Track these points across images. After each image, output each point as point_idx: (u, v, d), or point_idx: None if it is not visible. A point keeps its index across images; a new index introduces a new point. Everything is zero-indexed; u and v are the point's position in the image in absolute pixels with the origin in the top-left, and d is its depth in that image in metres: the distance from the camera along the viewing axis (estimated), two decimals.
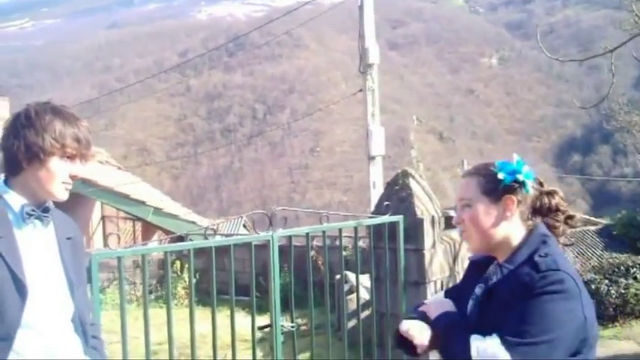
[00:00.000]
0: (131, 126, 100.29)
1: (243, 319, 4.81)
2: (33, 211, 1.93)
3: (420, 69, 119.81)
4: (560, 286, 1.70)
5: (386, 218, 4.99)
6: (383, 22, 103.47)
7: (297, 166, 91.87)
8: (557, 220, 1.92)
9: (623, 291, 8.52)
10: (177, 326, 3.84)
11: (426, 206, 5.38)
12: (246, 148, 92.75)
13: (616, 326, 8.43)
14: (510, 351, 1.65)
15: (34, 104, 1.97)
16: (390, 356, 4.89)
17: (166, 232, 14.28)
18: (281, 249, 4.29)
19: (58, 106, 1.99)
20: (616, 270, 8.85)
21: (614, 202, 51.04)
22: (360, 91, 10.28)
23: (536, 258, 1.77)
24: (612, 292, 8.49)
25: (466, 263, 2.12)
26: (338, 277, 7.77)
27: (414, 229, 5.22)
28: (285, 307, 4.44)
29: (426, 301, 2.01)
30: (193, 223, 14.78)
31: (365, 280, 5.73)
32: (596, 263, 10.16)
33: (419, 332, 1.88)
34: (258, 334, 4.40)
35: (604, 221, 13.66)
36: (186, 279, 10.39)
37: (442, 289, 4.55)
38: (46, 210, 1.97)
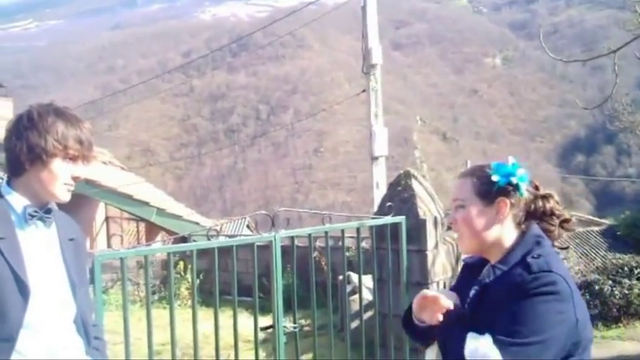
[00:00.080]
0: (135, 126, 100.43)
1: (245, 320, 4.81)
2: (35, 212, 1.94)
3: (424, 69, 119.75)
4: (553, 287, 1.69)
5: (388, 219, 4.99)
6: (386, 23, 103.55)
7: (301, 166, 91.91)
8: (552, 224, 1.90)
9: (626, 292, 8.52)
10: (181, 327, 3.85)
11: (428, 207, 5.38)
12: (250, 149, 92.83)
13: (619, 327, 8.42)
14: (502, 350, 1.65)
15: (36, 106, 1.98)
16: (392, 357, 4.89)
17: (170, 232, 14.29)
18: (284, 250, 4.29)
19: (60, 107, 2.00)
20: (620, 270, 8.84)
21: (618, 203, 50.89)
22: (364, 91, 10.26)
23: (529, 259, 1.76)
24: (616, 292, 8.48)
25: None
26: (341, 277, 7.79)
27: (417, 230, 5.22)
28: (288, 307, 4.44)
29: (430, 291, 1.98)
30: (197, 223, 14.78)
31: (368, 280, 5.73)
32: (599, 264, 10.15)
33: (445, 296, 1.87)
34: (261, 335, 4.40)
35: (608, 222, 13.66)
36: (190, 279, 10.40)
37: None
38: (48, 211, 1.98)
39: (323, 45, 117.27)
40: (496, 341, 1.67)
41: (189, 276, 10.81)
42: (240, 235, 12.73)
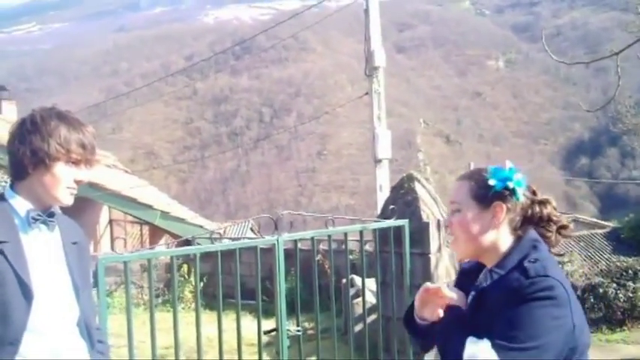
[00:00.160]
0: (138, 129, 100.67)
1: (249, 323, 4.82)
2: (39, 215, 1.94)
3: (427, 72, 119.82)
4: (550, 292, 1.68)
5: (391, 222, 4.98)
6: (390, 25, 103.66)
7: (304, 169, 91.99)
8: (549, 230, 1.88)
9: (631, 295, 8.49)
10: (184, 330, 3.84)
11: (431, 210, 5.38)
12: (253, 152, 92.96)
13: (624, 330, 8.39)
14: (500, 355, 1.64)
15: (39, 110, 1.99)
16: None
17: (173, 235, 14.29)
18: (287, 253, 4.29)
19: (63, 111, 2.00)
20: (624, 273, 8.81)
21: (622, 205, 50.83)
22: (367, 94, 10.27)
23: (526, 263, 1.75)
24: (620, 295, 8.46)
25: None
26: (344, 280, 7.78)
27: (420, 233, 5.22)
28: (291, 311, 4.44)
29: (433, 284, 1.96)
30: (200, 226, 14.78)
31: (371, 284, 5.72)
32: (604, 266, 10.13)
33: (449, 290, 1.86)
34: (265, 338, 4.40)
35: (612, 224, 13.64)
36: (193, 283, 10.41)
37: None
38: (51, 215, 1.98)
39: (326, 48, 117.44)
40: (494, 346, 1.67)
41: (192, 279, 10.80)
42: (244, 238, 12.73)
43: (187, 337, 4.33)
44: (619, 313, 8.46)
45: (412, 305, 1.97)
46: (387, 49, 10.39)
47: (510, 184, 1.85)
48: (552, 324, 1.67)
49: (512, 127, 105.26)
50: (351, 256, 6.85)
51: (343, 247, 4.90)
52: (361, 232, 4.88)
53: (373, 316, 5.68)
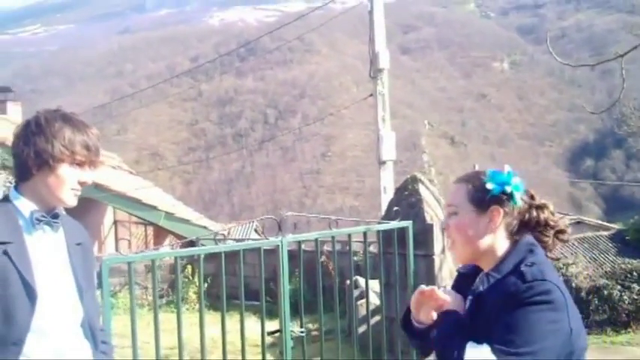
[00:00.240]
0: (143, 131, 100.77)
1: (253, 324, 4.82)
2: (43, 216, 1.95)
3: (432, 73, 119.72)
4: (547, 296, 1.68)
5: (395, 224, 4.98)
6: (395, 27, 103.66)
7: (309, 170, 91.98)
8: (547, 235, 1.87)
9: (635, 297, 8.48)
10: (188, 331, 3.85)
11: (435, 212, 5.38)
12: (258, 153, 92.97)
13: (629, 332, 8.37)
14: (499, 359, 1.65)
15: (44, 111, 1.99)
16: None
17: (178, 236, 14.32)
18: (291, 254, 4.29)
19: (67, 113, 2.01)
20: (629, 275, 8.81)
21: (627, 207, 50.66)
22: (371, 95, 10.28)
23: (523, 267, 1.74)
24: (625, 297, 8.45)
25: None
26: (348, 282, 7.79)
27: (424, 235, 5.22)
28: (295, 312, 4.44)
29: (427, 287, 1.95)
30: (205, 227, 14.81)
31: (375, 285, 5.73)
32: (608, 268, 10.11)
33: (442, 293, 1.86)
34: (268, 339, 4.40)
35: (617, 226, 13.63)
36: (197, 283, 10.42)
37: None
38: (55, 216, 1.99)
39: (331, 49, 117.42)
40: (494, 350, 1.66)
41: (196, 280, 10.83)
42: (248, 240, 12.75)
43: (191, 338, 4.34)
44: (624, 315, 8.44)
45: (409, 308, 1.97)
46: (391, 51, 10.39)
47: (508, 188, 1.84)
48: (549, 328, 1.67)
49: (518, 129, 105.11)
50: (354, 258, 6.85)
51: (347, 248, 4.90)
52: (365, 234, 4.88)
53: (377, 318, 5.69)
